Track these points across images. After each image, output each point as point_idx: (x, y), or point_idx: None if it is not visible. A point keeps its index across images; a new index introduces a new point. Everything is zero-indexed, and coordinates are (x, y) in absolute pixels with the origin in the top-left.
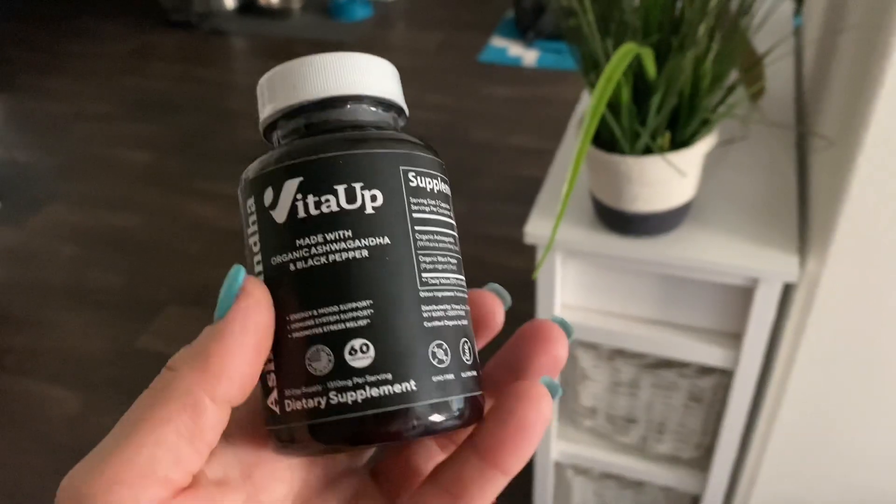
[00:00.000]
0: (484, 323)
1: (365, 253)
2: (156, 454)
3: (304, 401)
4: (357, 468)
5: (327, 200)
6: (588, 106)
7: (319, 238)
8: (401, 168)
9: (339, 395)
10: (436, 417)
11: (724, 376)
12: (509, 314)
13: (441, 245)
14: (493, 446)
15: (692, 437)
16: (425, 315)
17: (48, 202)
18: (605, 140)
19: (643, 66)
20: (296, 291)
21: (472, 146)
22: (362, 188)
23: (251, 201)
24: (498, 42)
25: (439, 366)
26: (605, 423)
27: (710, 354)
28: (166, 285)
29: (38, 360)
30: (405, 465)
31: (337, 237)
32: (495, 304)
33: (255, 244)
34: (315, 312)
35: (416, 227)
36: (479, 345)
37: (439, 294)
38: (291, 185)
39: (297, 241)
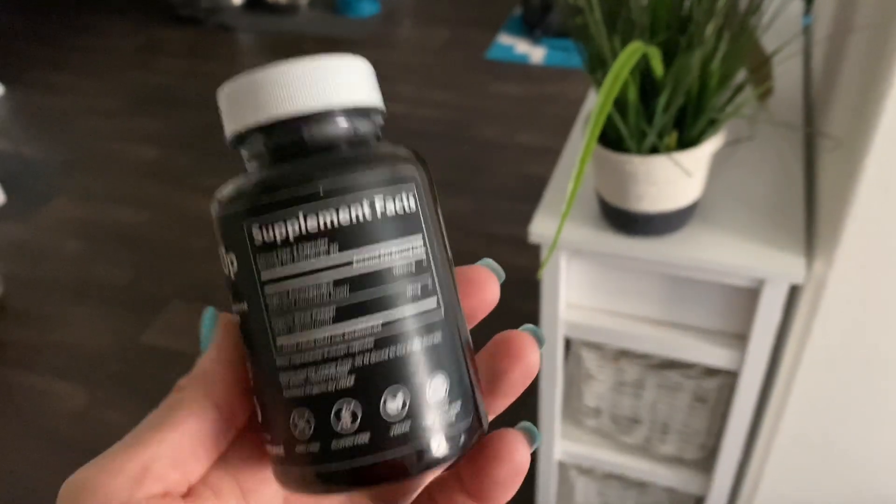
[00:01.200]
0: (476, 297)
1: (238, 319)
2: (158, 452)
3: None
4: None
5: (227, 265)
6: (594, 104)
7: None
8: (244, 225)
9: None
10: (305, 486)
11: (729, 377)
12: (514, 313)
13: (303, 298)
14: (477, 491)
15: (696, 438)
16: (283, 382)
17: (54, 197)
18: (611, 139)
19: (650, 65)
20: None
21: (477, 144)
22: (226, 253)
23: None
24: (505, 39)
25: (300, 437)
26: (608, 424)
27: (716, 355)
28: (171, 281)
29: (43, 354)
30: None
31: (232, 300)
32: (488, 278)
33: None
34: None
35: (266, 289)
36: (473, 322)
37: (298, 360)
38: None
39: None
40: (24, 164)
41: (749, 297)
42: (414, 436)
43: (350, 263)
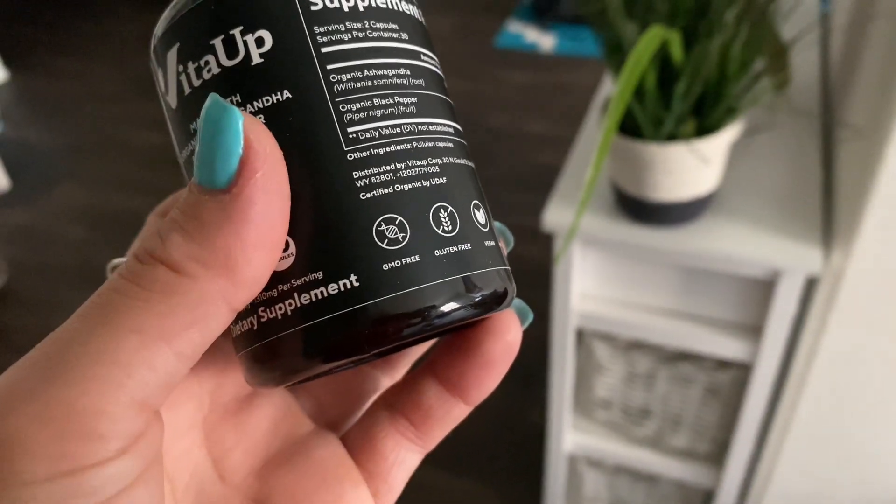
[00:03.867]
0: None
1: (262, 119)
2: (147, 379)
3: (240, 324)
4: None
5: (206, 63)
6: (614, 90)
7: None
8: None
9: (268, 311)
10: (400, 322)
11: (742, 370)
12: (525, 301)
13: (383, 82)
14: (457, 378)
15: (708, 432)
16: (359, 183)
17: (58, 182)
18: (628, 126)
19: (669, 51)
20: None
21: (486, 132)
22: (242, 33)
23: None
24: (514, 27)
25: (392, 248)
26: (619, 416)
27: (730, 347)
28: None
29: None
30: (338, 384)
31: (243, 98)
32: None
33: (174, 143)
34: None
35: (330, 66)
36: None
37: (382, 150)
38: (172, 58)
39: (192, 127)
40: (28, 150)
41: (765, 288)
42: (496, 253)
43: (419, 56)
